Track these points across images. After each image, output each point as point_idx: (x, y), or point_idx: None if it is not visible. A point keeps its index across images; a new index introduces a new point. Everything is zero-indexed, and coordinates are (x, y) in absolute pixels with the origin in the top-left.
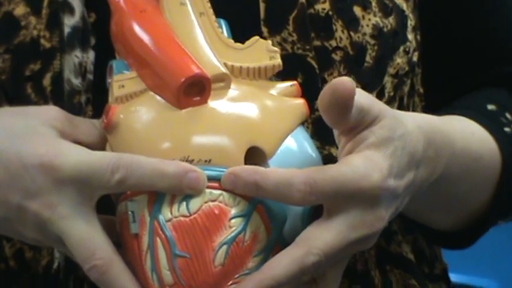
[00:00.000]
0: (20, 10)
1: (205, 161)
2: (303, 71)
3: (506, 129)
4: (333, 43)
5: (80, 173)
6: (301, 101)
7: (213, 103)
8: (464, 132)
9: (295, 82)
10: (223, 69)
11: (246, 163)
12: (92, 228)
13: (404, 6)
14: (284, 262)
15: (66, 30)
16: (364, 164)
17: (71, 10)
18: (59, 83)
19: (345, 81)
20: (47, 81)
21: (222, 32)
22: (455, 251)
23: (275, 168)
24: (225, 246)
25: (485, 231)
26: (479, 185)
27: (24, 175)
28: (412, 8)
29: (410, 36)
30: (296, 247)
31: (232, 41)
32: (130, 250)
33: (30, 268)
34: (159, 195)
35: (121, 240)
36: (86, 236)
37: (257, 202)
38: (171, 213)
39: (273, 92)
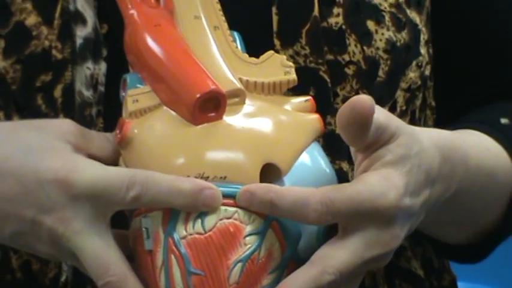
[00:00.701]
0: (31, 20)
1: (221, 177)
2: (315, 84)
3: None
4: (346, 57)
5: (95, 189)
6: (315, 116)
7: (228, 119)
8: (479, 148)
9: (309, 97)
10: (238, 85)
11: (261, 180)
12: (106, 244)
13: (417, 20)
14: (300, 281)
15: (78, 41)
16: (380, 182)
17: (83, 21)
18: (70, 95)
19: (365, 99)
20: (58, 92)
21: (237, 46)
22: None
23: (291, 187)
24: (239, 264)
25: (496, 246)
26: (493, 201)
27: (39, 190)
28: (425, 21)
29: (423, 50)
30: (311, 266)
31: (246, 55)
32: (144, 266)
33: (37, 280)
34: (173, 211)
35: (134, 255)
36: (100, 252)
37: (272, 219)
38: (186, 230)
39: (288, 107)
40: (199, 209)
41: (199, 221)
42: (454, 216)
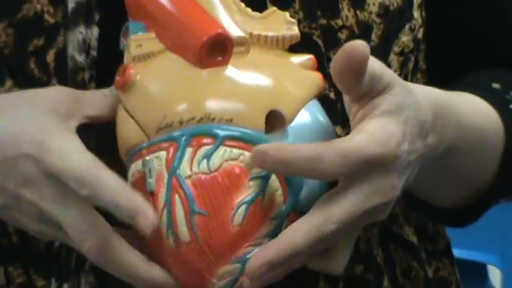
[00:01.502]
0: None
1: (227, 120)
2: (308, 49)
3: (510, 106)
4: (339, 22)
5: (60, 175)
6: (318, 74)
7: (233, 65)
8: (471, 108)
9: (311, 56)
10: (244, 34)
11: (266, 126)
12: (82, 210)
13: None
14: (303, 230)
15: (70, 5)
16: (380, 131)
17: None
18: (63, 60)
19: (359, 45)
20: (50, 57)
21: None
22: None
23: (300, 144)
24: (244, 206)
25: (487, 208)
26: (484, 161)
27: (17, 163)
28: None
29: (416, 13)
30: (314, 215)
31: (250, 10)
32: None
33: (31, 245)
34: (178, 152)
35: None
36: (77, 220)
37: None
38: (191, 170)
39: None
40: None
41: (204, 161)
42: (445, 175)
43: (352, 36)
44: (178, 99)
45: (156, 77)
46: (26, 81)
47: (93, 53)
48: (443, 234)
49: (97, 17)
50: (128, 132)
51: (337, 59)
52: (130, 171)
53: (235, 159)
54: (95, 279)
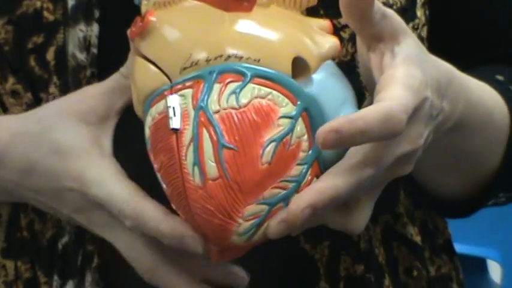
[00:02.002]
0: None
1: (255, 59)
2: None
3: None
4: (342, 21)
5: (105, 205)
6: (335, 37)
7: (257, 13)
8: (479, 86)
9: (329, 21)
10: None
11: (292, 73)
12: (130, 238)
13: None
14: (341, 175)
15: (70, 2)
16: (409, 78)
17: None
18: (63, 57)
19: None
20: (50, 55)
21: None
22: (456, 221)
23: (364, 109)
24: (273, 144)
25: (488, 201)
26: (490, 144)
27: (65, 194)
28: None
29: (419, 12)
30: (350, 160)
31: None
32: (166, 151)
33: (37, 240)
34: (204, 88)
35: (152, 150)
36: (127, 246)
37: (303, 109)
38: (219, 104)
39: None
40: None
41: (233, 96)
42: (452, 156)
43: (354, 35)
44: (205, 39)
45: (179, 20)
46: (28, 78)
47: (94, 50)
48: (442, 230)
49: (97, 14)
50: (146, 78)
51: None
52: (150, 116)
53: (264, 97)
54: (100, 276)
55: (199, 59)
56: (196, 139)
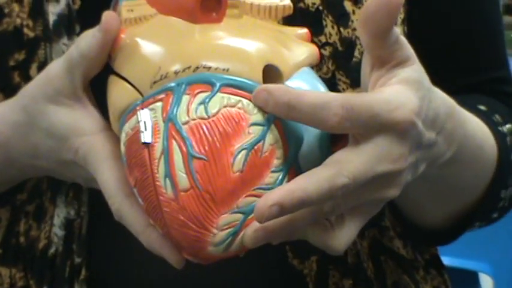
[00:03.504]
0: None
1: (223, 69)
2: None
3: (500, 127)
4: (322, 38)
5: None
6: (313, 45)
7: (228, 24)
8: (472, 119)
9: (306, 29)
10: None
11: (263, 81)
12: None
13: None
14: (314, 179)
15: (52, 18)
16: (398, 95)
17: None
18: None
19: None
20: (33, 71)
21: None
22: None
23: (310, 90)
24: (244, 152)
25: (464, 230)
26: (478, 177)
27: (68, 167)
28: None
29: (399, 29)
30: (326, 167)
31: None
32: (139, 166)
33: (31, 248)
34: (173, 100)
35: (127, 166)
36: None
37: (275, 117)
38: (188, 115)
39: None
40: None
41: (202, 106)
42: (441, 187)
43: (335, 52)
44: (173, 51)
45: (149, 35)
46: (15, 94)
47: None
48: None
49: (78, 28)
50: (120, 95)
51: (372, 1)
52: (124, 133)
53: (234, 105)
54: None
55: (168, 72)
56: (167, 151)
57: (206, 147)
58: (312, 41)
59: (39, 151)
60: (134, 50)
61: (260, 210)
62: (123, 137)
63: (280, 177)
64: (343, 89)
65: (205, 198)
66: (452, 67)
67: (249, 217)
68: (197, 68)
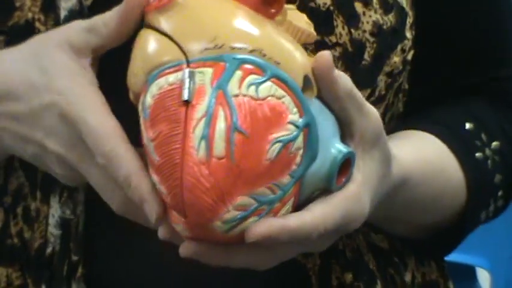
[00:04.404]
0: None
1: (275, 61)
2: None
3: (478, 154)
4: (333, 39)
5: (83, 137)
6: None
7: (275, 24)
8: (432, 172)
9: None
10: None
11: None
12: (104, 174)
13: (404, 2)
14: (308, 219)
15: (63, 13)
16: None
17: None
18: None
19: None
20: None
21: None
22: None
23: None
24: (279, 144)
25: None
26: (444, 204)
27: (43, 113)
28: (411, 4)
29: (408, 33)
30: (312, 215)
31: None
32: (170, 121)
33: (26, 249)
34: (226, 70)
35: (151, 119)
36: (100, 181)
37: (306, 123)
38: (239, 89)
39: None
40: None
41: (253, 87)
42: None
43: (345, 54)
44: (233, 26)
45: (206, 2)
46: None
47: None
48: None
49: None
50: (158, 49)
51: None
52: (156, 86)
53: (280, 98)
54: (86, 286)
55: (224, 44)
56: (210, 115)
57: (249, 126)
58: (322, 41)
59: (13, 91)
60: (189, 12)
61: (251, 235)
62: (153, 90)
63: (291, 183)
64: None
65: (235, 172)
66: (461, 66)
67: (259, 207)
68: (253, 50)
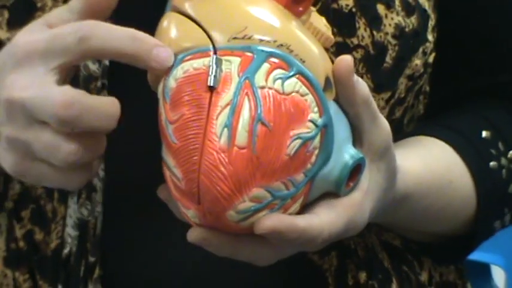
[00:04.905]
0: None
1: (301, 59)
2: None
3: (493, 163)
4: (355, 41)
5: (41, 42)
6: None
7: (301, 23)
8: (440, 181)
9: None
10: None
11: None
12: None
13: (426, 5)
14: (315, 222)
15: None
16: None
17: None
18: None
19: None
20: None
21: None
22: None
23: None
24: (299, 141)
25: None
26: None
27: None
28: (433, 6)
29: (430, 36)
30: (320, 220)
31: None
32: (193, 105)
33: (39, 250)
34: (254, 61)
35: (173, 101)
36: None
37: (325, 124)
38: (266, 82)
39: None
40: (149, 62)
41: (279, 81)
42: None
43: (367, 56)
44: (263, 19)
45: None
46: None
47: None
48: None
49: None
50: (186, 34)
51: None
52: (182, 69)
53: (303, 95)
54: (102, 287)
55: (253, 35)
56: (235, 104)
57: (273, 118)
58: (344, 43)
59: None
60: (219, 0)
61: (261, 226)
62: (178, 72)
63: (304, 181)
64: None
65: (254, 164)
66: (480, 68)
67: (273, 202)
68: (281, 45)
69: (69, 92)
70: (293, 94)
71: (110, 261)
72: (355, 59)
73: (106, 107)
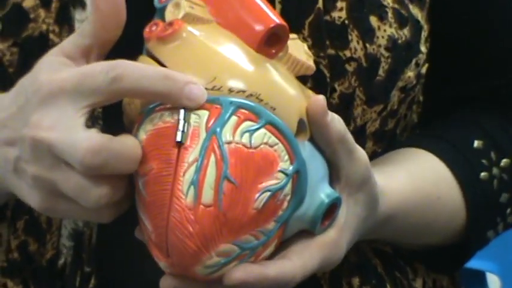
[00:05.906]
0: (28, 2)
1: (271, 107)
2: (313, 77)
3: (484, 174)
4: (347, 53)
5: (69, 81)
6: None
7: (276, 63)
8: (428, 197)
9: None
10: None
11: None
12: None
13: (419, 15)
14: (287, 268)
15: (77, 25)
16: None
17: (82, 4)
18: None
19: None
20: None
21: None
22: None
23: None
24: (267, 194)
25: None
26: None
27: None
28: (426, 16)
29: (423, 47)
30: (292, 264)
31: None
32: (162, 161)
33: (33, 261)
34: (222, 115)
35: (144, 151)
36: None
37: (296, 170)
38: (233, 137)
39: None
40: (180, 101)
41: (247, 134)
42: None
43: (359, 68)
44: (233, 68)
45: (209, 39)
46: None
47: None
48: None
49: None
50: None
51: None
52: (151, 122)
53: (272, 146)
54: None
55: (222, 86)
56: (201, 161)
57: (239, 175)
58: (336, 56)
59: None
60: (191, 47)
61: (230, 280)
62: (147, 125)
63: (276, 228)
64: (357, 105)
65: (221, 220)
66: (475, 73)
67: (242, 253)
68: (251, 95)
69: (95, 138)
70: (261, 146)
71: (105, 271)
72: (347, 71)
73: (130, 151)
